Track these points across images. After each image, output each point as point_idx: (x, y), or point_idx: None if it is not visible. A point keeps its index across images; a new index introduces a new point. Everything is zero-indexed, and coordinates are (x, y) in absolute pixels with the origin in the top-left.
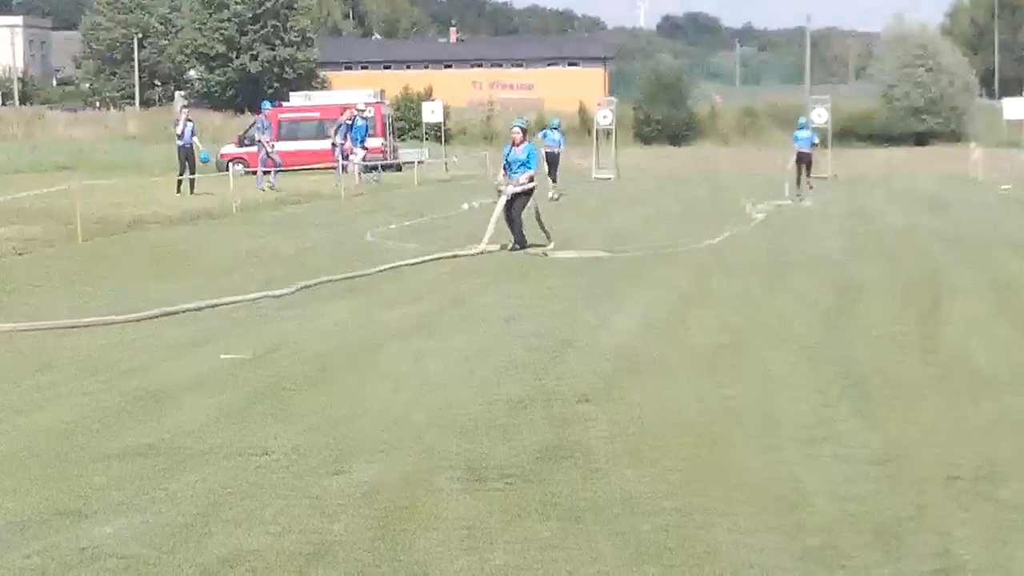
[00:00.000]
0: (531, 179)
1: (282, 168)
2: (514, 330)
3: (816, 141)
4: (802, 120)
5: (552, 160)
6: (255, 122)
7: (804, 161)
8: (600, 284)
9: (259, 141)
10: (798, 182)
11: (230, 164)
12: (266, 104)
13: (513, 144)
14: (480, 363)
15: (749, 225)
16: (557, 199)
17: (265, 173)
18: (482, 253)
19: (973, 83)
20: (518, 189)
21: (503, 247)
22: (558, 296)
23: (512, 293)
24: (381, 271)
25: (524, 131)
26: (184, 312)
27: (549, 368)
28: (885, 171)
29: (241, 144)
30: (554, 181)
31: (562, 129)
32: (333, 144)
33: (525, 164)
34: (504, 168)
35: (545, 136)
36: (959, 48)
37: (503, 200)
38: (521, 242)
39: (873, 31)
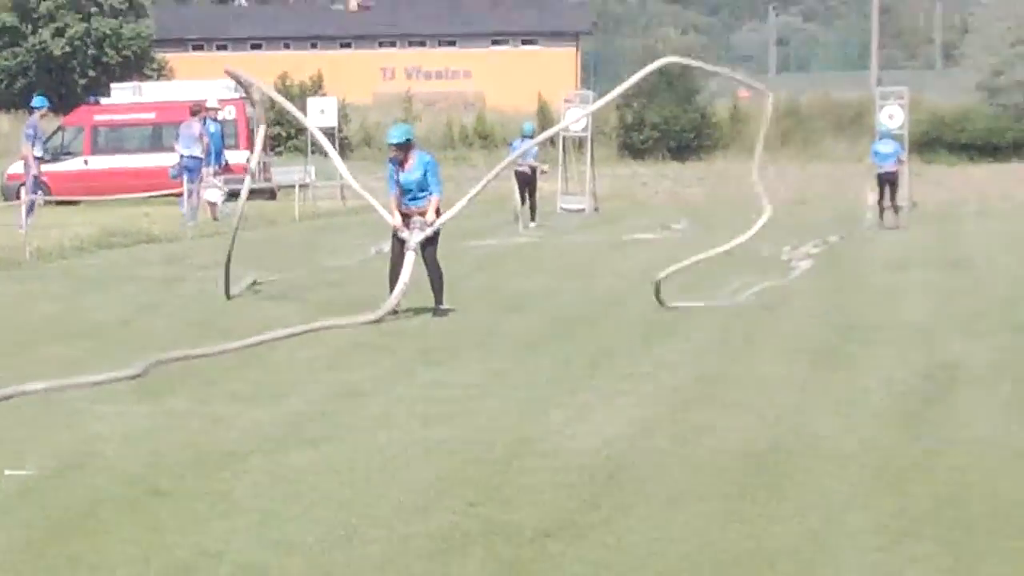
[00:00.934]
0: (438, 211)
1: (54, 199)
2: (440, 435)
3: (904, 157)
4: (883, 126)
5: (525, 181)
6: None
7: (887, 182)
8: (568, 367)
9: (24, 157)
10: (881, 213)
11: (22, 189)
12: (40, 102)
13: (399, 163)
14: (389, 483)
15: (786, 277)
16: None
17: (30, 210)
18: (380, 321)
19: None
20: (428, 232)
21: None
22: (506, 384)
23: (437, 380)
24: (239, 349)
25: (405, 144)
26: None
27: (492, 490)
28: (986, 196)
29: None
30: (533, 211)
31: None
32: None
33: (423, 187)
34: (397, 198)
35: (515, 147)
36: None
37: (411, 254)
38: (440, 299)
39: None
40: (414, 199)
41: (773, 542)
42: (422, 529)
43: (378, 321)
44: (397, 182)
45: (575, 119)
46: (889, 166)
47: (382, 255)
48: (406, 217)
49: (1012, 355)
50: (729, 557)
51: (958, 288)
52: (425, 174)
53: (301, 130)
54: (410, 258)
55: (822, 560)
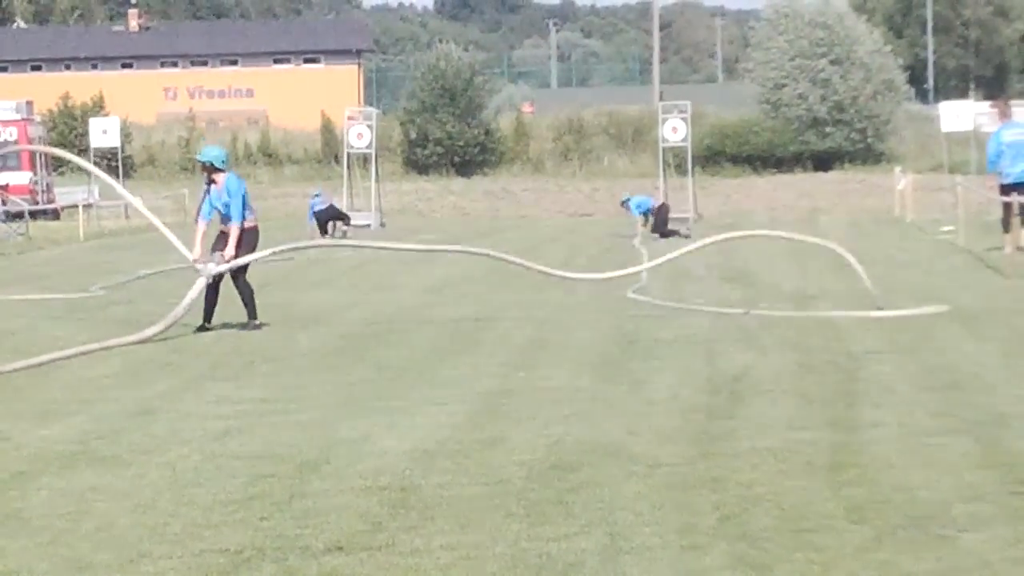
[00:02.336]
0: (240, 238)
1: None
2: (231, 451)
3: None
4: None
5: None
6: None
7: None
8: (364, 383)
9: None
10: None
11: None
12: None
13: (210, 184)
14: (180, 500)
15: (572, 291)
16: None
17: None
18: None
19: (898, 80)
20: (222, 269)
21: (234, 326)
22: (299, 400)
23: (227, 396)
24: (24, 368)
25: (209, 165)
26: None
27: (285, 504)
28: (771, 209)
29: None
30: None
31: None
32: None
33: (235, 207)
34: (199, 223)
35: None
36: (877, 28)
37: (201, 280)
38: (253, 314)
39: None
40: (230, 220)
41: (561, 558)
42: (215, 545)
43: (151, 339)
44: (211, 204)
45: None
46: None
47: (163, 273)
48: (223, 235)
49: (795, 367)
50: (517, 573)
51: (739, 301)
52: (234, 192)
53: (84, 151)
54: (199, 284)
55: None
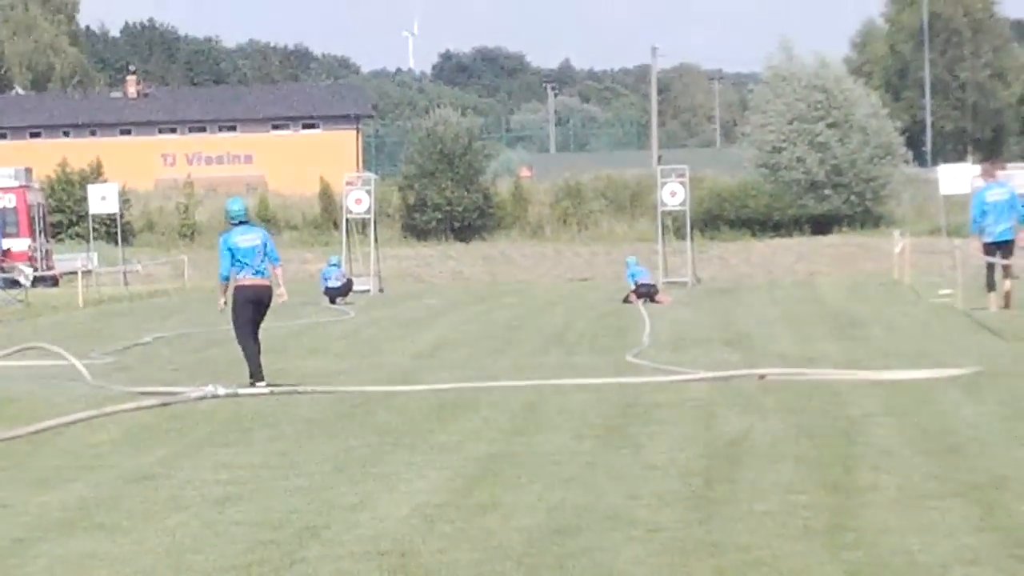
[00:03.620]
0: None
1: None
2: (229, 517)
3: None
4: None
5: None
6: None
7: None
8: (361, 448)
9: None
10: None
11: None
12: None
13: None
14: (180, 567)
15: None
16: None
17: None
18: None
19: (896, 143)
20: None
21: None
22: (297, 466)
23: (227, 463)
24: (28, 434)
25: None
26: None
27: (284, 570)
28: (768, 272)
29: None
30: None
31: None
32: None
33: (264, 255)
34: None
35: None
36: (874, 91)
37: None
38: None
39: (748, 71)
40: (251, 271)
41: None
42: None
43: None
44: (233, 256)
45: None
46: (644, 279)
47: (162, 340)
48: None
49: (793, 431)
50: None
51: (735, 364)
52: (265, 242)
53: (82, 217)
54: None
55: None
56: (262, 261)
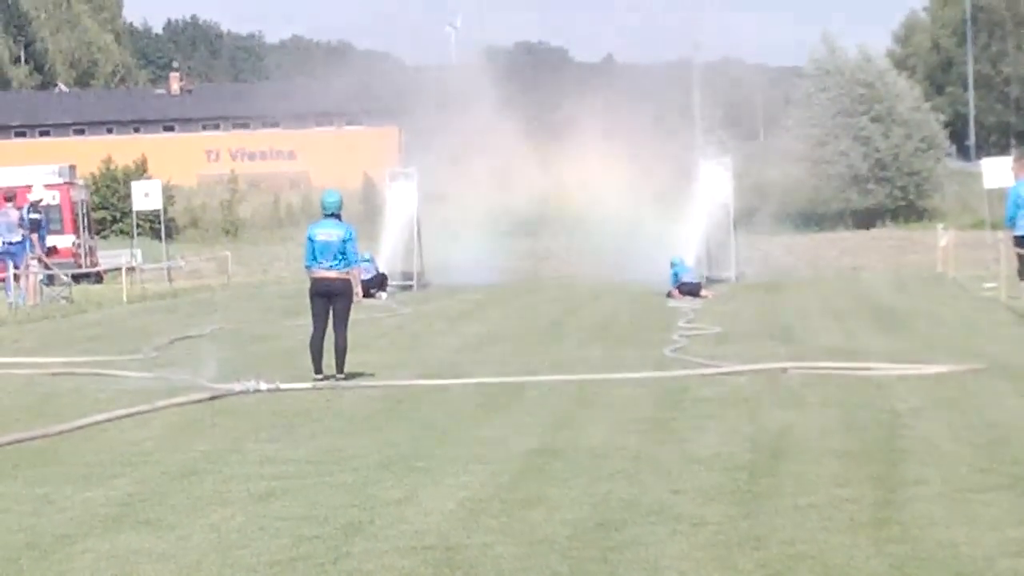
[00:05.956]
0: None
1: None
2: (274, 512)
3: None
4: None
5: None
6: None
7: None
8: (405, 443)
9: None
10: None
11: None
12: None
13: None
14: (225, 563)
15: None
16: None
17: None
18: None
19: (939, 136)
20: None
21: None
22: (342, 461)
23: (271, 457)
24: (72, 430)
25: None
26: None
27: (329, 565)
28: (812, 267)
29: None
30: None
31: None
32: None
33: (340, 253)
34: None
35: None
36: (917, 85)
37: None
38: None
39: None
40: (330, 263)
41: None
42: None
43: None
44: (314, 251)
45: None
46: (688, 277)
47: (206, 336)
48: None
49: (837, 424)
50: None
51: (780, 357)
52: (348, 238)
53: (126, 214)
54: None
55: None
56: (335, 256)
